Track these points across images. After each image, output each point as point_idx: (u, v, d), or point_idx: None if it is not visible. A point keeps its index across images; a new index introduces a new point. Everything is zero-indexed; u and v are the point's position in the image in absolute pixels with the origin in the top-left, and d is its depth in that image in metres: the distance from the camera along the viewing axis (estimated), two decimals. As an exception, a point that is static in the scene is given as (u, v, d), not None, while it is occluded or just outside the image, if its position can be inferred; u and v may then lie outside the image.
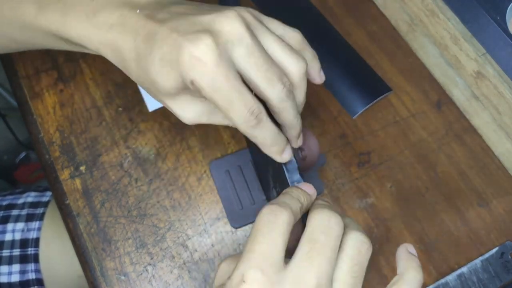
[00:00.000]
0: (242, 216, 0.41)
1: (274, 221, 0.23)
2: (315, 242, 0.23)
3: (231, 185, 0.42)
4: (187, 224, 0.40)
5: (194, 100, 0.29)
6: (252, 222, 0.40)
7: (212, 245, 0.40)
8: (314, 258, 0.22)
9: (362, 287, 0.23)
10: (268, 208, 0.24)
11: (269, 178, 0.36)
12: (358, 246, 0.23)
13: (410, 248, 0.27)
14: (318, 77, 0.31)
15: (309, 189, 0.27)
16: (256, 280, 0.21)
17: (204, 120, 0.30)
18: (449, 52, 0.45)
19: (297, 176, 0.29)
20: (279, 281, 0.22)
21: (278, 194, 0.32)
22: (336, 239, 0.23)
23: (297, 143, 0.31)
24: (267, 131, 0.27)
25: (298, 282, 0.22)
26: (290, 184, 0.29)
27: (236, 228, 0.40)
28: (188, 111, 0.29)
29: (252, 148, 0.42)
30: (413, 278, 0.25)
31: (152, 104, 0.45)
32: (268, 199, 0.40)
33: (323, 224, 0.23)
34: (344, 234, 0.24)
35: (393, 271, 0.40)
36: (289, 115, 0.28)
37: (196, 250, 0.39)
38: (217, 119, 0.30)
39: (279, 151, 0.29)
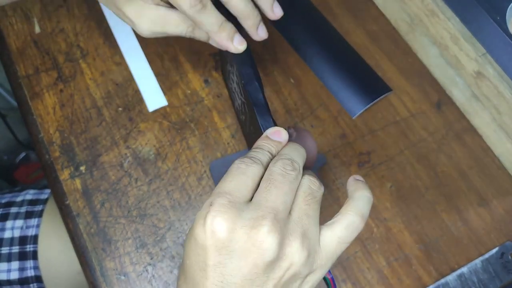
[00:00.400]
0: None
1: (244, 169, 0.26)
2: (274, 180, 0.25)
3: None
4: (187, 224, 0.40)
5: (148, 5, 0.33)
6: None
7: (212, 245, 0.40)
8: (272, 190, 0.25)
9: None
10: (240, 160, 0.26)
11: None
12: (309, 184, 0.27)
13: (357, 176, 0.30)
14: (271, 11, 0.34)
15: (280, 136, 0.29)
16: (221, 204, 0.24)
17: (158, 29, 0.33)
18: (449, 52, 0.45)
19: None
20: (241, 208, 0.24)
21: None
22: (293, 181, 0.26)
23: (257, 34, 0.34)
24: (212, 16, 0.31)
25: (258, 206, 0.24)
26: None
27: None
28: (143, 19, 0.33)
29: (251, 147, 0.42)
30: (361, 195, 0.28)
31: (152, 104, 0.45)
32: None
33: (281, 169, 0.26)
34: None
35: (394, 272, 0.40)
36: (238, 4, 0.31)
37: (196, 250, 0.39)
38: (170, 28, 0.33)
39: (228, 37, 0.32)
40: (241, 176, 0.25)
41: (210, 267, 0.23)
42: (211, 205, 0.24)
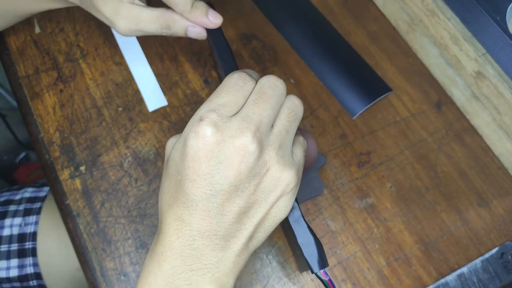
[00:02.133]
0: None
1: (241, 86, 0.27)
2: (263, 93, 0.27)
3: None
4: (187, 224, 0.40)
5: (123, 4, 0.34)
6: None
7: (212, 245, 0.40)
8: (260, 103, 0.27)
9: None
10: (238, 74, 0.28)
11: None
12: (293, 101, 0.29)
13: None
14: (206, 19, 0.34)
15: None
16: (211, 119, 0.25)
17: (133, 26, 0.35)
18: (449, 52, 0.45)
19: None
20: (230, 120, 0.26)
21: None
22: (280, 96, 0.28)
23: (211, 22, 0.34)
24: None
25: (245, 118, 0.26)
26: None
27: None
28: (119, 17, 0.34)
29: None
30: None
31: (152, 105, 0.45)
32: None
33: (271, 82, 0.28)
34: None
35: (394, 272, 0.40)
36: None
37: (196, 250, 0.39)
38: (144, 25, 0.35)
39: (203, 14, 0.34)
40: (235, 93, 0.27)
41: (200, 177, 0.26)
42: (201, 119, 0.26)
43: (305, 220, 0.29)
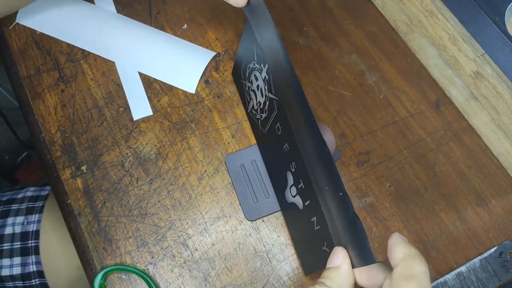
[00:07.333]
0: (257, 209, 0.41)
1: None
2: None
3: (246, 179, 0.42)
4: (187, 223, 0.41)
5: None
6: (266, 215, 0.41)
7: (212, 244, 0.40)
8: None
9: None
10: None
11: (286, 176, 0.36)
12: None
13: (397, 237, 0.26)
14: None
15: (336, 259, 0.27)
16: None
17: None
18: (448, 52, 0.45)
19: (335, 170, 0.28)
20: None
21: (302, 190, 0.31)
22: None
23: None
24: None
25: None
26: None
27: (252, 220, 0.41)
28: None
29: (263, 146, 0.42)
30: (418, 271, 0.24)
31: (136, 114, 0.45)
32: (281, 197, 0.40)
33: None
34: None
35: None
36: None
37: (196, 249, 0.40)
38: None
39: None
40: None
41: None
42: None
43: (353, 209, 0.27)
